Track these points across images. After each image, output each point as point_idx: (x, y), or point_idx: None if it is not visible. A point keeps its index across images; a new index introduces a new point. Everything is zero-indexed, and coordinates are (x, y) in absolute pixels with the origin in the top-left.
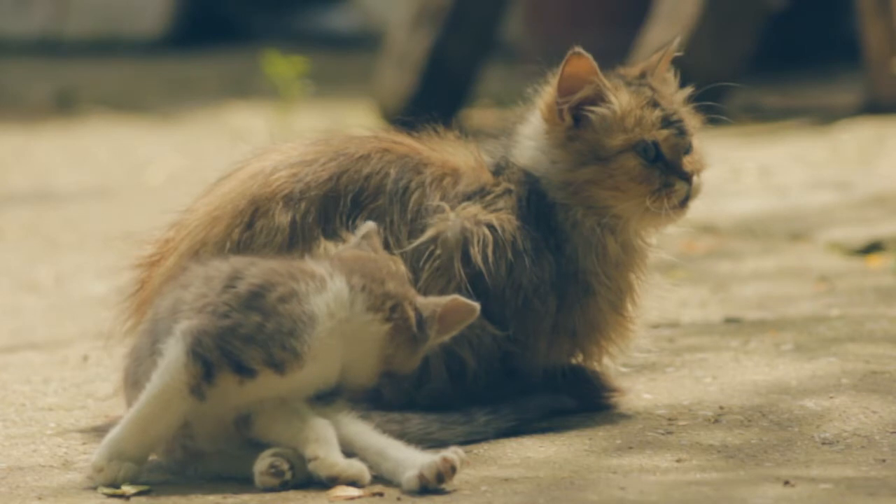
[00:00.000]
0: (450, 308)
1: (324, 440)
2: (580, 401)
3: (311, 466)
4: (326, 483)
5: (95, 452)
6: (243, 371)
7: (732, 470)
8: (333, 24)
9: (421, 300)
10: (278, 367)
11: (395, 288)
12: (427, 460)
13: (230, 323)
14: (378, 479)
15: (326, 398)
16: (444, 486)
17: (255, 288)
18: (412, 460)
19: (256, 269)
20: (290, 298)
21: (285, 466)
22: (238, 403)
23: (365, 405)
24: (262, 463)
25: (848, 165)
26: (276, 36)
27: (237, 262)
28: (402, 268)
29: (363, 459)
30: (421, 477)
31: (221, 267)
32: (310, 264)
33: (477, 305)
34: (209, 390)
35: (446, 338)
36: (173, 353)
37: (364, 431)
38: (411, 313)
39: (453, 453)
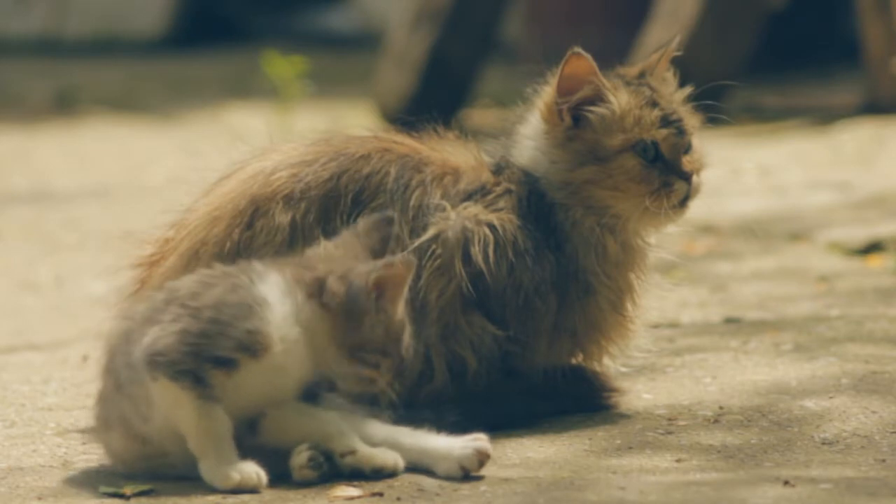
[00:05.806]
0: (387, 271)
1: (348, 433)
2: (560, 405)
3: (349, 460)
4: (369, 476)
5: (216, 483)
6: (223, 363)
7: (732, 470)
8: (333, 24)
9: (357, 270)
10: (250, 350)
11: (323, 268)
12: (460, 451)
13: (184, 327)
14: (378, 478)
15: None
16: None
17: (197, 288)
18: (445, 447)
19: (192, 277)
20: (235, 289)
21: (322, 459)
22: (239, 403)
23: (348, 402)
24: (301, 457)
25: (848, 165)
26: (276, 36)
27: (171, 283)
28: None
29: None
30: (463, 468)
31: (161, 288)
32: (244, 263)
33: (413, 260)
34: (213, 390)
35: (398, 304)
36: (162, 390)
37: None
38: (337, 286)
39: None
